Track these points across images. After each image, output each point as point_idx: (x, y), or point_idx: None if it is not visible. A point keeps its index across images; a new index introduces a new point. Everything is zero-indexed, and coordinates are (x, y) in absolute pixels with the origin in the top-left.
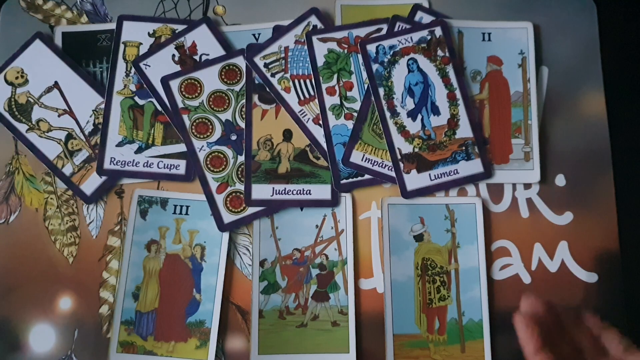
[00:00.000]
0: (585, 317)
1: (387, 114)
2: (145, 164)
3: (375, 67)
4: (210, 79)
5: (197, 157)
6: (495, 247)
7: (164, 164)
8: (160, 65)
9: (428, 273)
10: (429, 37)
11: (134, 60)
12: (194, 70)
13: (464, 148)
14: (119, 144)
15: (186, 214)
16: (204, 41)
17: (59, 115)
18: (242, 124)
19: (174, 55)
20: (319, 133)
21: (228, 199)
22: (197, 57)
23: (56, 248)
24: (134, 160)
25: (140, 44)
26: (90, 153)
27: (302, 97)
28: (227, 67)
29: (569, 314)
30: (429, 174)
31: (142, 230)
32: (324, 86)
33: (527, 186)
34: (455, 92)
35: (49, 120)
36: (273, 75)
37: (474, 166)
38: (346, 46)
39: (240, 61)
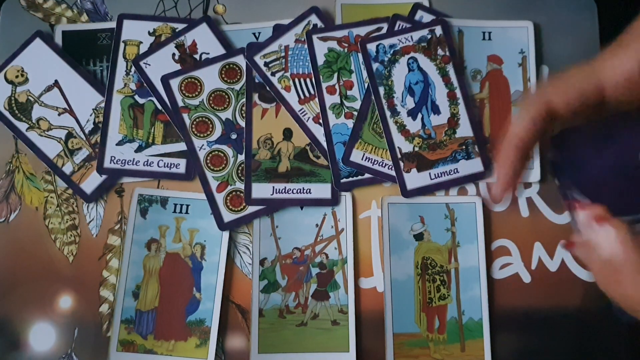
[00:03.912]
0: None
1: (387, 113)
2: (146, 163)
3: (375, 66)
4: (210, 78)
5: (197, 156)
6: (495, 246)
7: (164, 163)
8: (161, 64)
9: (428, 272)
10: (429, 36)
11: (134, 59)
12: (194, 69)
13: (464, 147)
14: (119, 143)
15: (186, 212)
16: (204, 40)
17: (59, 114)
18: (242, 123)
19: (174, 54)
20: (319, 132)
21: (228, 197)
22: (197, 56)
23: (56, 247)
24: (134, 159)
25: (141, 42)
26: (91, 152)
27: (302, 96)
28: (227, 66)
29: None
30: (429, 173)
31: (142, 229)
32: (324, 85)
33: (527, 185)
34: (456, 91)
35: (49, 119)
36: (273, 74)
37: (474, 165)
38: (346, 45)
39: (240, 60)
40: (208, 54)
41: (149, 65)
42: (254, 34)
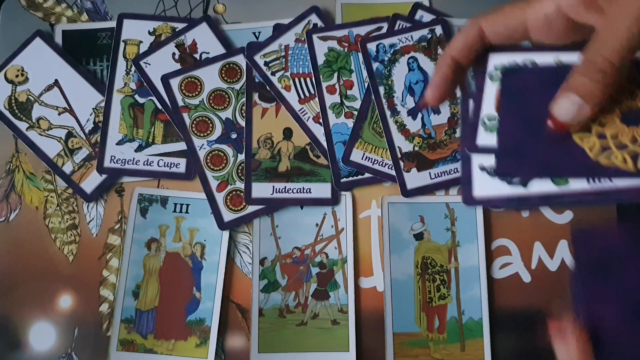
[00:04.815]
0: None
1: (388, 113)
2: (146, 163)
3: (375, 65)
4: (210, 78)
5: (198, 156)
6: (495, 246)
7: (164, 163)
8: (161, 64)
9: (428, 272)
10: (429, 36)
11: (134, 58)
12: (194, 69)
13: None
14: (119, 142)
15: (186, 212)
16: (204, 39)
17: (59, 114)
18: (243, 123)
19: (174, 54)
20: (319, 132)
21: (228, 197)
22: (197, 56)
23: (56, 246)
24: (134, 158)
25: (141, 42)
26: (91, 151)
27: (302, 96)
28: (227, 66)
29: None
30: (429, 173)
31: (142, 228)
32: (324, 85)
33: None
34: (456, 90)
35: (49, 119)
36: (273, 73)
37: None
38: (346, 45)
39: (240, 59)
40: (208, 53)
41: (149, 64)
42: (254, 33)
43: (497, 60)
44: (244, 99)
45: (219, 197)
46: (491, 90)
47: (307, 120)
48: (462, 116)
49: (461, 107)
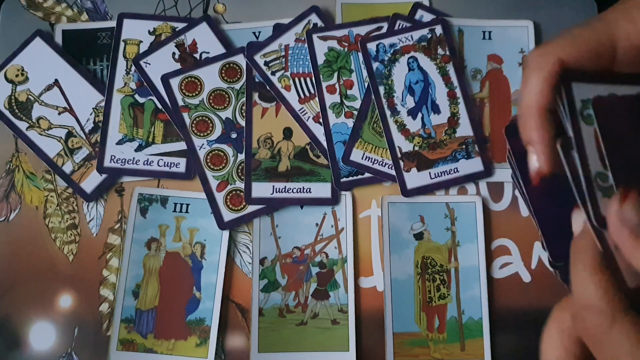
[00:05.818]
0: None
1: (388, 113)
2: (146, 162)
3: (375, 65)
4: (210, 77)
5: (197, 155)
6: (495, 246)
7: (164, 162)
8: (161, 63)
9: (428, 271)
10: (429, 36)
11: (134, 58)
12: (194, 69)
13: (464, 146)
14: (119, 142)
15: (186, 212)
16: (204, 39)
17: (59, 113)
18: (243, 122)
19: (174, 53)
20: (319, 131)
21: (228, 197)
22: (197, 55)
23: (56, 246)
24: (134, 158)
25: (141, 42)
26: (91, 151)
27: (302, 96)
28: (227, 65)
29: None
30: (429, 173)
31: (142, 228)
32: (324, 84)
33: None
34: (456, 90)
35: (49, 118)
36: (273, 73)
37: (474, 165)
38: (346, 44)
39: (240, 59)
40: (208, 53)
41: (149, 64)
42: (254, 33)
43: (581, 93)
44: (244, 98)
45: (219, 197)
46: (588, 136)
47: (307, 120)
48: (569, 172)
49: (565, 159)
